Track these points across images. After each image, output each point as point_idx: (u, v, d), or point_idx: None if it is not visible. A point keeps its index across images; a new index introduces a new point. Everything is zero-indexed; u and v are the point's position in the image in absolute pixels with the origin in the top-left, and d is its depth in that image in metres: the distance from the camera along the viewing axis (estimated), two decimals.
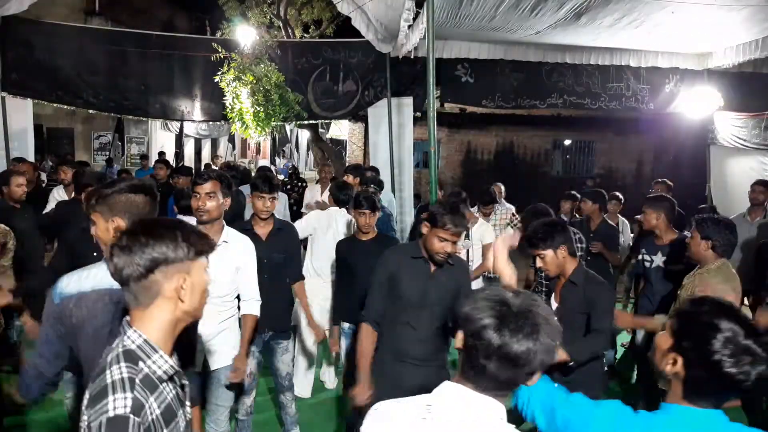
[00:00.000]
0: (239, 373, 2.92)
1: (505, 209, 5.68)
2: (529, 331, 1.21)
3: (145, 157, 12.49)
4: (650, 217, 3.87)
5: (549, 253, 2.78)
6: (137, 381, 1.31)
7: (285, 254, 3.51)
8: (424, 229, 2.69)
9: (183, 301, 1.39)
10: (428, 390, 1.39)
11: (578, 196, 6.34)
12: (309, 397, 4.41)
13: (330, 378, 4.65)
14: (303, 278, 3.73)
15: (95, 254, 2.86)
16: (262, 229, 3.44)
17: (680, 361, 1.39)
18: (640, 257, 4.10)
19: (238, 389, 3.11)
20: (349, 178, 5.87)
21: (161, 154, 12.14)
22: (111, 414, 1.26)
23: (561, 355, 2.40)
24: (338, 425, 4.02)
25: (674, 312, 1.51)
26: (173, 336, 1.42)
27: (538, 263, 2.83)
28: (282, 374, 3.56)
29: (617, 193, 6.12)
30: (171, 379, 1.41)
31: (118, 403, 1.28)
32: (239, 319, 3.04)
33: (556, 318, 1.29)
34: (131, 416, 1.28)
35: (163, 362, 1.37)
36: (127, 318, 1.41)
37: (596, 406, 1.54)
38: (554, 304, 2.88)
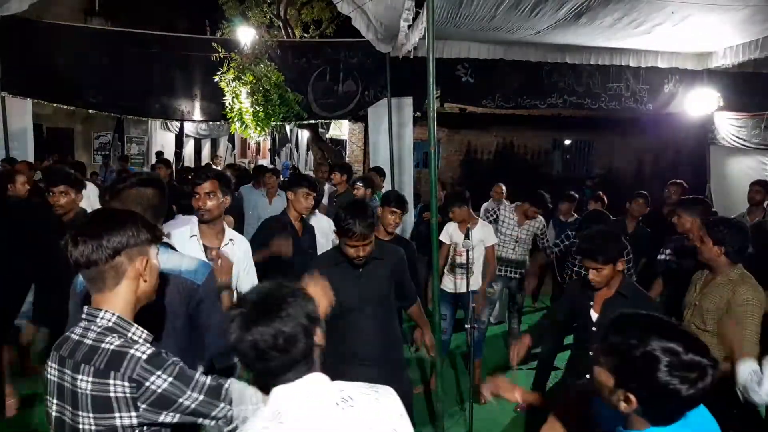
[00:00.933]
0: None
1: (511, 208, 5.61)
2: (265, 317, 1.24)
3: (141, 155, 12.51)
4: (685, 220, 3.68)
5: (608, 268, 2.66)
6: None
7: (313, 251, 3.68)
8: (335, 237, 2.72)
9: (145, 281, 1.53)
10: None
11: (576, 196, 6.33)
12: None
13: None
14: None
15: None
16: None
17: (633, 398, 1.33)
18: (665, 257, 4.02)
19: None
20: (336, 176, 5.93)
21: (159, 154, 12.14)
22: (144, 355, 1.40)
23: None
24: None
25: (601, 344, 1.40)
26: (135, 311, 1.54)
27: (591, 275, 2.70)
28: None
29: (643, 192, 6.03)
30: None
31: (142, 348, 1.42)
32: None
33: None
34: (162, 352, 1.43)
35: (140, 332, 1.50)
36: (87, 308, 1.49)
37: None
38: (594, 315, 2.79)
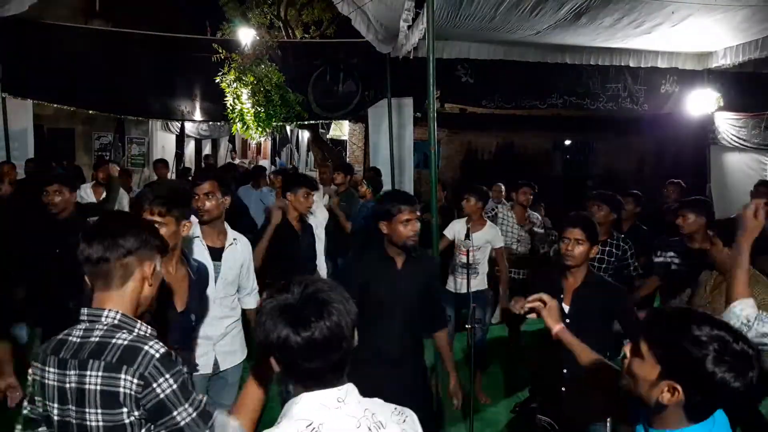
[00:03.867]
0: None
1: (509, 207, 5.63)
2: (319, 315, 1.22)
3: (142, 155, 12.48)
4: (692, 222, 3.62)
5: (586, 245, 2.79)
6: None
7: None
8: (384, 229, 2.70)
9: (150, 285, 1.56)
10: (405, 394, 1.40)
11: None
12: None
13: None
14: None
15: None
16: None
17: (680, 388, 1.29)
18: (663, 259, 4.00)
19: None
20: (339, 177, 5.96)
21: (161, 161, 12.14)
22: (158, 354, 1.41)
23: None
24: None
25: (646, 336, 1.38)
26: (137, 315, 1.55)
27: (566, 246, 2.79)
28: None
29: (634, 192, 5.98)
30: None
31: (156, 346, 1.43)
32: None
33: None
34: (172, 354, 1.44)
35: (146, 327, 1.52)
36: (87, 309, 1.49)
37: None
38: (566, 308, 2.79)
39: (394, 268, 2.76)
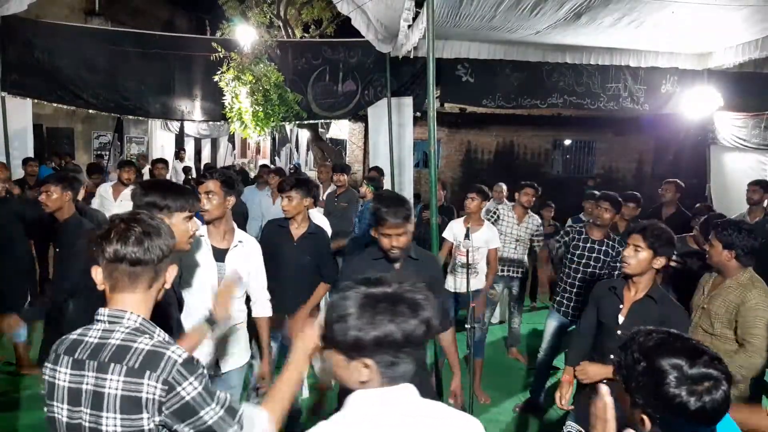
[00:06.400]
0: (266, 381, 2.95)
1: (510, 207, 5.60)
2: (413, 310, 1.22)
3: (143, 157, 12.45)
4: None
5: (648, 253, 2.67)
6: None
7: (313, 258, 3.54)
8: (373, 233, 2.64)
9: (165, 288, 1.55)
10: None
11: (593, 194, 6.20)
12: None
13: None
14: (337, 280, 3.65)
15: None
16: (296, 230, 3.45)
17: (646, 419, 1.31)
18: None
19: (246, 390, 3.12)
20: (341, 178, 5.97)
21: (160, 161, 12.13)
22: (180, 358, 1.39)
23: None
24: None
25: (614, 364, 1.41)
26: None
27: (626, 253, 2.69)
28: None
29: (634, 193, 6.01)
30: None
31: (178, 351, 1.40)
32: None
33: None
34: (193, 357, 1.43)
35: (163, 334, 1.48)
36: (107, 310, 1.45)
37: None
38: (621, 319, 2.74)
39: (391, 270, 2.72)
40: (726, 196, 8.10)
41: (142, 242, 1.44)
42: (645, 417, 1.31)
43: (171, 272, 1.54)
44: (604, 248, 4.15)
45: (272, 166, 9.45)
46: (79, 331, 1.46)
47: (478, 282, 4.66)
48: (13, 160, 7.05)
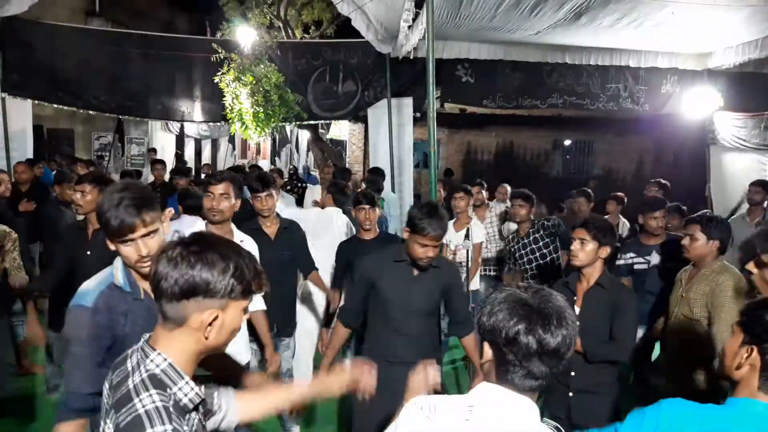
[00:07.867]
0: (275, 361, 3.07)
1: (501, 207, 5.70)
2: (557, 322, 1.23)
3: (153, 150, 12.38)
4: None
5: (593, 244, 2.79)
6: (171, 410, 1.21)
7: (292, 252, 3.53)
8: (405, 235, 2.67)
9: (207, 338, 1.28)
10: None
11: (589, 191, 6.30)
12: None
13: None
14: (316, 268, 3.69)
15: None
16: (269, 228, 3.46)
17: (755, 349, 1.45)
18: (624, 261, 4.11)
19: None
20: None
21: (152, 151, 12.14)
22: None
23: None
24: (339, 423, 4.02)
25: (742, 311, 1.59)
26: (196, 362, 1.33)
27: (574, 247, 2.78)
28: (283, 371, 3.57)
29: (618, 194, 6.10)
30: (195, 408, 1.31)
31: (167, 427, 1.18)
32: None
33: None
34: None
35: (189, 389, 1.27)
36: (146, 337, 1.32)
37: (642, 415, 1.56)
38: (576, 310, 2.78)
39: (410, 273, 2.74)
40: (726, 197, 8.11)
41: (162, 268, 1.26)
42: (753, 347, 1.46)
43: (206, 315, 1.27)
44: (530, 239, 4.33)
45: (272, 167, 9.44)
46: (131, 350, 1.34)
47: (474, 282, 4.73)
48: (13, 161, 7.06)
